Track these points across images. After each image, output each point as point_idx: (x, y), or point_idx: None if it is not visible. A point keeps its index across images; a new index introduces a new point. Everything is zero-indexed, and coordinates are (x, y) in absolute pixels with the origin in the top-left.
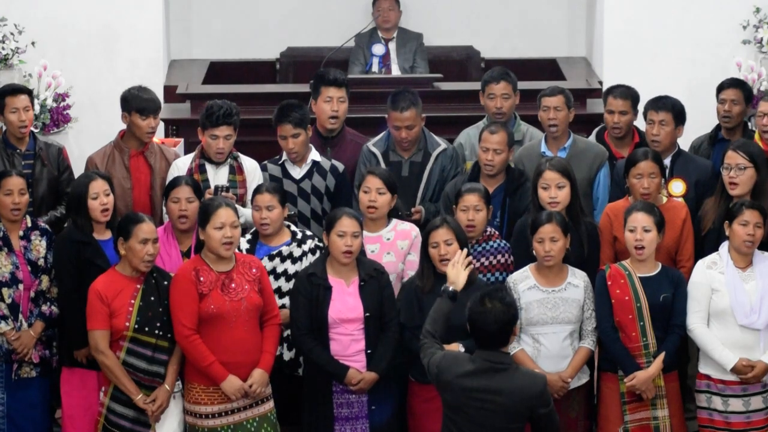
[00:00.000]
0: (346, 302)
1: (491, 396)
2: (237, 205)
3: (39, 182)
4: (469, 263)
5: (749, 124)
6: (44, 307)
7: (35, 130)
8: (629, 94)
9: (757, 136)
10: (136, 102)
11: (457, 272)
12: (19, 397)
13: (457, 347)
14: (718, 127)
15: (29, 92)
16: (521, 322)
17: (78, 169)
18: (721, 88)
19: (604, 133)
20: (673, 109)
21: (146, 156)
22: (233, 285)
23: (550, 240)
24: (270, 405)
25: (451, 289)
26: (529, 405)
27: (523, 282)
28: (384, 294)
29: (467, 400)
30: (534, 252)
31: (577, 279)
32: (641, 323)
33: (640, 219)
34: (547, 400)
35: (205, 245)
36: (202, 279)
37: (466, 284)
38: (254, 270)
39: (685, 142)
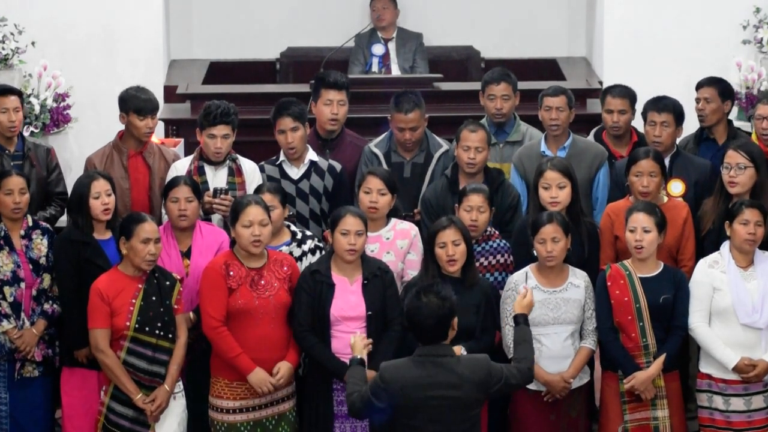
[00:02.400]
0: (348, 300)
1: (444, 391)
2: None
3: (29, 183)
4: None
5: (749, 122)
6: (46, 306)
7: (35, 131)
8: (627, 94)
9: (754, 137)
10: (133, 102)
11: (360, 346)
12: (22, 397)
13: (459, 350)
14: (703, 127)
15: (19, 93)
16: None
17: (77, 169)
18: (697, 87)
19: (602, 133)
20: (674, 110)
21: (145, 156)
22: (263, 282)
23: (551, 240)
24: (290, 404)
25: (358, 357)
26: (483, 389)
27: (524, 282)
28: (387, 293)
29: (423, 401)
30: (535, 252)
31: (578, 279)
32: (641, 324)
33: (641, 219)
34: (497, 377)
35: (236, 242)
36: (231, 273)
37: (469, 286)
38: (285, 268)
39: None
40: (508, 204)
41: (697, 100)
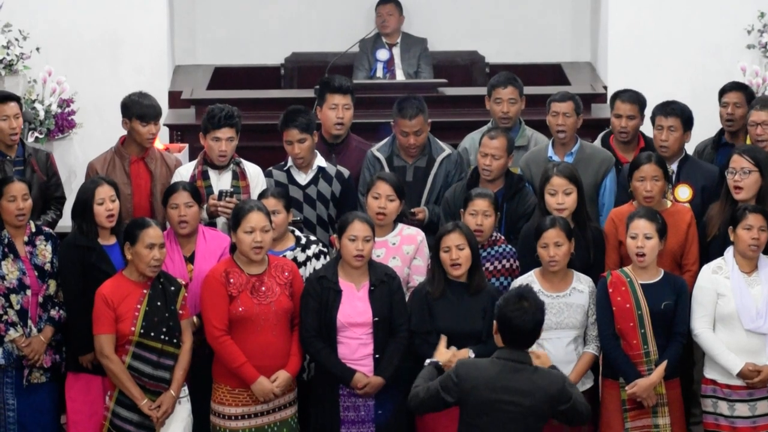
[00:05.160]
0: (355, 306)
1: (515, 397)
2: None
3: (30, 188)
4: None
5: None
6: (53, 312)
7: (40, 136)
8: (637, 99)
9: (748, 142)
10: (136, 108)
11: (444, 352)
12: (29, 403)
13: (467, 353)
14: (721, 132)
15: (18, 99)
16: None
17: (82, 175)
18: (723, 92)
19: (609, 138)
20: (682, 115)
21: (146, 162)
22: (263, 288)
23: (554, 245)
24: (292, 410)
25: (435, 361)
26: (551, 404)
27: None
28: (394, 299)
29: (494, 403)
30: (539, 257)
31: (582, 284)
32: (642, 331)
33: (642, 226)
34: (567, 396)
35: (237, 247)
36: (232, 281)
37: (475, 291)
38: (286, 273)
39: (689, 147)
40: (522, 211)
41: (725, 105)
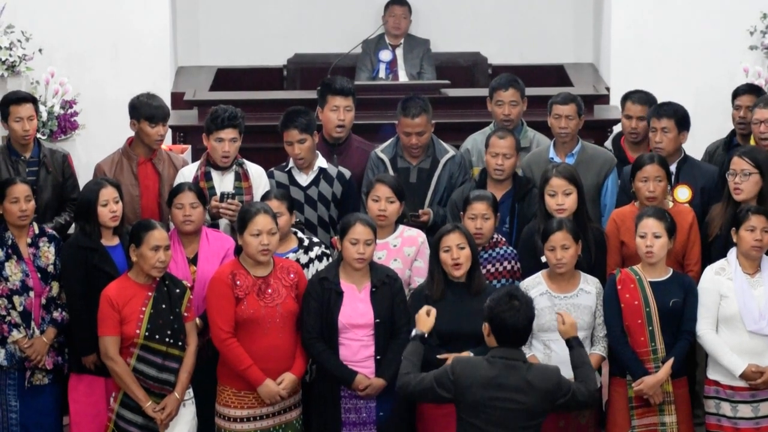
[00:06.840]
0: (356, 308)
1: (512, 394)
2: None
3: (44, 189)
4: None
5: None
6: (56, 314)
7: (43, 137)
8: (647, 100)
9: (752, 141)
10: (145, 110)
11: (425, 319)
12: (31, 405)
13: (468, 355)
14: (733, 133)
15: (34, 100)
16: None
17: (85, 176)
18: (736, 94)
19: (620, 139)
20: (675, 116)
21: (154, 163)
22: (270, 290)
23: (561, 248)
24: (297, 412)
25: (419, 332)
26: (548, 399)
27: (535, 288)
28: (396, 300)
29: (489, 401)
30: (544, 259)
31: (590, 285)
32: (650, 328)
33: (651, 225)
34: (564, 390)
35: (243, 250)
36: (238, 283)
37: (475, 291)
38: (292, 275)
39: (696, 148)
40: (534, 211)
41: (738, 108)
